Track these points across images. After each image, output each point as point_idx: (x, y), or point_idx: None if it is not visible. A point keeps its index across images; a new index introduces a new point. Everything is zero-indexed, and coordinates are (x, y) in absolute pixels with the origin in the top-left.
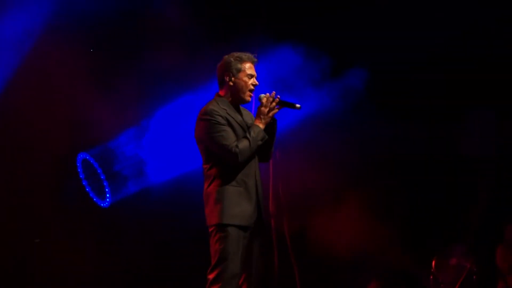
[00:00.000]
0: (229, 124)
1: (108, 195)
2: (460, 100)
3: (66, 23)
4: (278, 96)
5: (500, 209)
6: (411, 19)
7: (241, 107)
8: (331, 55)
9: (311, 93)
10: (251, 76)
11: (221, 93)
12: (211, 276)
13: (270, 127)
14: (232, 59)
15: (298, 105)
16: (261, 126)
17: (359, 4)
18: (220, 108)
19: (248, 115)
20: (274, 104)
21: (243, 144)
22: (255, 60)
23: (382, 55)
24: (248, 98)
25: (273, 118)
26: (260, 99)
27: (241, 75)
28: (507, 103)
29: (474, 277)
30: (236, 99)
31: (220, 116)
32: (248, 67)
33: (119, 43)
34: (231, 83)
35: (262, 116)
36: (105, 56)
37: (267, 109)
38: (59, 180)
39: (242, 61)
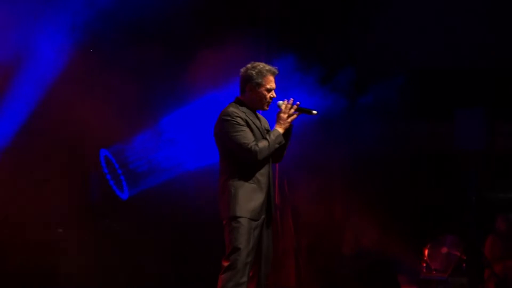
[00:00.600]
0: (248, 126)
1: (125, 188)
2: (452, 101)
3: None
4: (298, 102)
5: (490, 202)
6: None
7: (258, 113)
8: (323, 62)
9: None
10: (270, 90)
11: (242, 98)
12: (225, 264)
13: (287, 132)
14: (254, 72)
15: (315, 112)
16: (281, 130)
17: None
18: (240, 111)
19: (263, 121)
20: (292, 110)
21: (263, 144)
22: (276, 72)
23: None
24: (266, 108)
25: (290, 124)
26: (279, 106)
27: (261, 89)
28: (496, 104)
29: (464, 265)
30: (255, 107)
31: (240, 117)
32: (269, 81)
33: (129, 45)
34: (251, 94)
35: (281, 122)
36: (124, 58)
37: (286, 115)
38: (85, 174)
39: (263, 75)
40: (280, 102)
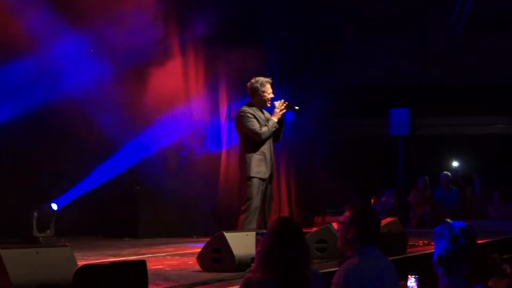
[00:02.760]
0: (255, 118)
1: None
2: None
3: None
4: (287, 102)
5: (414, 169)
6: None
7: (263, 110)
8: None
9: None
10: (270, 93)
11: (252, 101)
12: (243, 208)
13: (280, 121)
14: (258, 85)
15: (297, 107)
16: (275, 119)
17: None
18: (250, 108)
19: (267, 114)
20: (283, 107)
21: (265, 129)
22: (271, 81)
23: None
24: (268, 105)
25: (282, 115)
26: (274, 104)
27: (264, 94)
28: (416, 106)
29: (396, 208)
30: (261, 105)
31: (250, 113)
32: (268, 88)
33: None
34: (258, 97)
35: (275, 114)
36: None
37: (279, 110)
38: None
39: (264, 86)
40: (276, 102)
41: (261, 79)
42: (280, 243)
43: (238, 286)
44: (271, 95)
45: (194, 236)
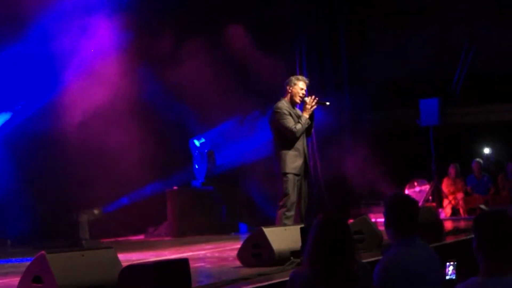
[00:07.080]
0: (290, 114)
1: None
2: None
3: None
4: (317, 98)
5: (446, 157)
6: None
7: (295, 106)
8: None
9: None
10: (302, 89)
11: (285, 97)
12: (280, 203)
13: (310, 117)
14: (293, 78)
15: (327, 103)
16: (306, 115)
17: None
18: (285, 105)
19: (297, 111)
20: (313, 102)
21: (298, 126)
22: (307, 82)
23: None
24: (298, 101)
25: (312, 111)
26: (305, 101)
27: (296, 87)
28: (444, 97)
29: (430, 197)
30: (292, 101)
31: (285, 109)
32: (301, 84)
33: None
34: (290, 91)
35: (306, 110)
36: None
37: (310, 106)
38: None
39: (298, 80)
40: (306, 98)
41: (299, 76)
42: (325, 237)
43: (280, 280)
44: (303, 93)
45: (232, 233)
